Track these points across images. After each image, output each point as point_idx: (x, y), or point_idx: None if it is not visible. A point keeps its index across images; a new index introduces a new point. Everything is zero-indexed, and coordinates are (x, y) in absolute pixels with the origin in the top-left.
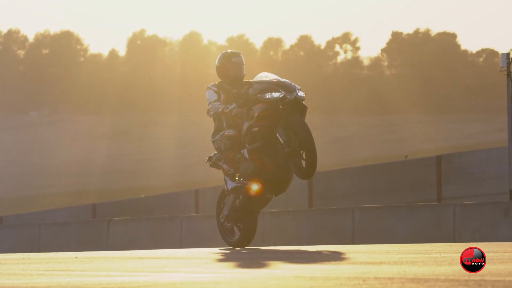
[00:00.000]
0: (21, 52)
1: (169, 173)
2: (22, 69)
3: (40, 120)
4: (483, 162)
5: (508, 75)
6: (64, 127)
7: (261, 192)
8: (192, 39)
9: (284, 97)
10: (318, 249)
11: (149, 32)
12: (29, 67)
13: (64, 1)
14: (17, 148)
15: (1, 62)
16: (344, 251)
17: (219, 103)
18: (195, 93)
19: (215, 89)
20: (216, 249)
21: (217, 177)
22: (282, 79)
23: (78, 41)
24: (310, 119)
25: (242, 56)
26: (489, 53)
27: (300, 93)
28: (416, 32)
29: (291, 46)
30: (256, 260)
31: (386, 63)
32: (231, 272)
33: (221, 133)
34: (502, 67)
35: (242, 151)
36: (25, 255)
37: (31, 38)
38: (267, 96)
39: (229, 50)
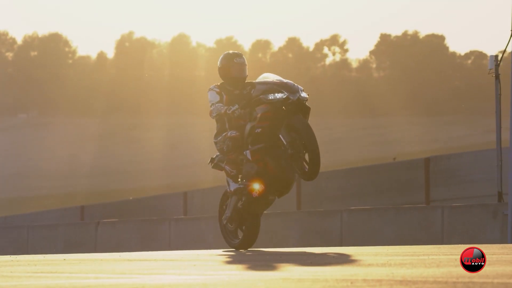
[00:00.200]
0: (10, 54)
1: (157, 175)
2: (11, 71)
3: (29, 122)
4: (471, 164)
5: (497, 77)
6: (53, 129)
7: (264, 193)
8: (180, 41)
9: (287, 98)
10: (306, 251)
11: (137, 34)
12: (18, 69)
13: (52, 4)
14: (5, 150)
15: None
16: (332, 253)
17: (221, 104)
18: (183, 95)
19: (217, 90)
20: (205, 251)
21: (205, 179)
22: (285, 80)
23: (66, 43)
24: None
25: (244, 57)
26: (478, 55)
27: (303, 94)
28: (405, 34)
29: (280, 48)
30: (244, 262)
31: (374, 65)
32: (219, 274)
33: (224, 134)
34: (490, 69)
35: (244, 152)
36: (13, 257)
37: (19, 40)
38: (270, 97)
39: (231, 51)
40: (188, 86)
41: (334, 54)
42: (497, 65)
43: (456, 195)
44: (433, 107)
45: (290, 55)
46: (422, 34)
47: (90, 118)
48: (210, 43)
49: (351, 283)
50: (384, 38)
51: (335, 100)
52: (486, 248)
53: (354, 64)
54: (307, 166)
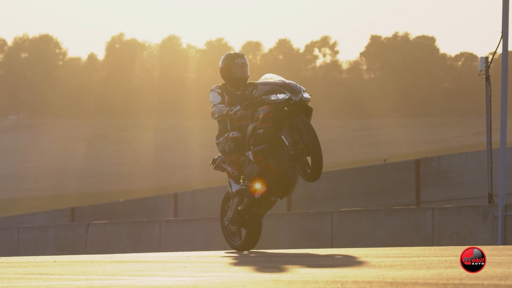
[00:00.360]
0: (0, 56)
1: (147, 177)
2: (1, 73)
3: (19, 124)
4: (461, 166)
5: (487, 79)
6: (43, 131)
7: (266, 194)
8: (171, 42)
9: (289, 98)
10: (297, 253)
11: (128, 36)
12: (8, 71)
13: (42, 5)
14: None
15: None
16: (323, 254)
17: (223, 105)
18: (174, 97)
19: (219, 91)
20: (195, 253)
21: (196, 181)
22: (287, 81)
23: (56, 45)
24: None
25: (246, 58)
26: (468, 57)
27: (306, 95)
28: (395, 36)
29: (270, 50)
30: (235, 264)
31: (365, 67)
32: (210, 276)
33: (226, 135)
34: (480, 70)
35: (247, 153)
36: (3, 258)
37: (10, 42)
38: (272, 98)
39: (232, 52)
40: (178, 88)
41: (324, 55)
42: (487, 67)
43: (446, 196)
44: (424, 108)
45: (280, 56)
46: (413, 35)
47: (81, 119)
48: (201, 45)
49: (342, 284)
50: (375, 39)
51: (326, 102)
52: None
53: (345, 66)
54: (309, 167)
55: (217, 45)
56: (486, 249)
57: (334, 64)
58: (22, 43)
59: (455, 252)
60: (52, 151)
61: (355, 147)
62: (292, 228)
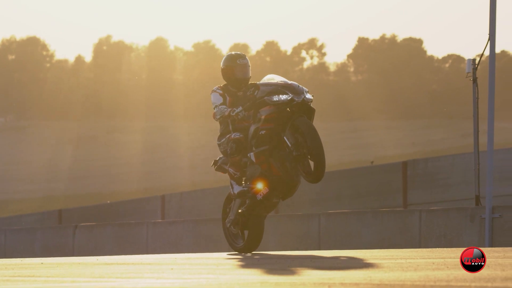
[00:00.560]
0: None
1: (135, 178)
2: None
3: (6, 126)
4: (449, 168)
5: (474, 81)
6: (31, 133)
7: (268, 195)
8: (158, 44)
9: (291, 99)
10: (284, 255)
11: (115, 38)
12: None
13: (30, 7)
14: None
15: None
16: (310, 256)
17: (225, 106)
18: (161, 99)
19: (221, 92)
20: (182, 255)
21: (183, 183)
22: (289, 81)
23: (44, 47)
24: None
25: (247, 58)
26: (455, 59)
27: (308, 96)
28: (382, 38)
29: (257, 52)
30: (223, 266)
31: (352, 69)
32: (197, 278)
33: (227, 136)
34: (468, 73)
35: (248, 154)
36: None
37: None
38: (275, 99)
39: (233, 52)
40: (166, 90)
41: (312, 57)
42: (474, 69)
43: (433, 198)
44: (411, 110)
45: (268, 58)
46: (400, 37)
47: (68, 121)
48: (188, 47)
49: (329, 286)
50: (362, 41)
51: (313, 104)
52: None
53: (332, 68)
54: (312, 168)
55: (205, 47)
56: None
57: (322, 66)
58: (9, 45)
59: (442, 254)
60: (39, 153)
61: (343, 149)
62: (280, 230)
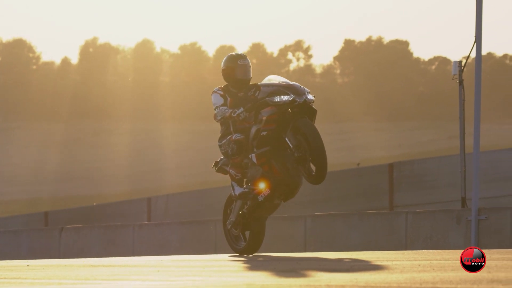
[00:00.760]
0: None
1: (121, 181)
2: None
3: None
4: (435, 170)
5: (460, 83)
6: (17, 135)
7: (269, 197)
8: (144, 47)
9: (293, 100)
10: (270, 257)
11: (101, 40)
12: None
13: (16, 9)
14: None
15: None
16: (296, 258)
17: (226, 107)
18: (148, 101)
19: (221, 92)
20: (168, 257)
21: (169, 185)
22: (291, 82)
23: (30, 49)
24: None
25: (248, 59)
26: (442, 61)
27: (310, 96)
28: (369, 40)
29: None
30: (209, 268)
31: (338, 71)
32: (183, 280)
33: (228, 137)
34: (454, 75)
35: (250, 156)
36: None
37: None
38: (276, 99)
39: (234, 53)
40: (152, 92)
41: (298, 59)
42: (460, 71)
43: (420, 200)
44: (397, 112)
45: (254, 60)
46: (386, 39)
47: (55, 123)
48: (174, 49)
49: None
50: (348, 43)
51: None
52: (449, 254)
53: (318, 70)
54: (313, 170)
55: (191, 49)
56: (459, 254)
57: (308, 68)
58: None
59: (428, 256)
60: (25, 155)
61: (329, 151)
62: (266, 232)
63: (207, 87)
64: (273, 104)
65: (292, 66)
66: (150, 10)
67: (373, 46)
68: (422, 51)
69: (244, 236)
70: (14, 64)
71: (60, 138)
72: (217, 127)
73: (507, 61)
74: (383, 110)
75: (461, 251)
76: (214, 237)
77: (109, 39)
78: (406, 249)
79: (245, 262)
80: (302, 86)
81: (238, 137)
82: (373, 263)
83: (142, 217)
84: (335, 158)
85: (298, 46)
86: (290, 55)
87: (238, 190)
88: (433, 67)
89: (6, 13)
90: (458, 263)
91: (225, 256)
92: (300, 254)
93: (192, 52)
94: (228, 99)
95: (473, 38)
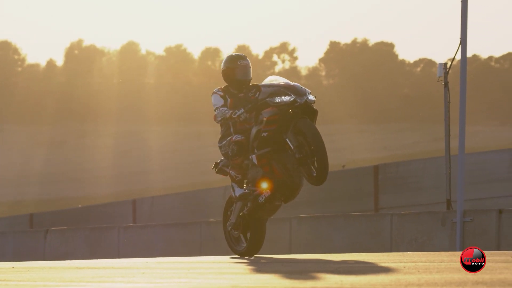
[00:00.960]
0: None
1: (106, 183)
2: None
3: None
4: (420, 172)
5: (445, 85)
6: (2, 137)
7: (270, 197)
8: (130, 49)
9: (294, 101)
10: (255, 259)
11: (86, 42)
12: None
13: (1, 11)
14: None
15: None
16: (281, 260)
17: (226, 108)
18: (133, 103)
19: (221, 93)
20: (154, 259)
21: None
22: (292, 83)
23: (15, 51)
24: None
25: (248, 59)
26: (427, 63)
27: (311, 97)
28: (354, 42)
29: None
30: (194, 270)
31: (324, 73)
32: (168, 282)
33: (228, 138)
34: (439, 77)
35: (250, 157)
36: None
37: None
38: (277, 100)
39: (234, 53)
40: (137, 94)
41: (283, 61)
42: (446, 73)
43: (405, 202)
44: (383, 114)
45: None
46: (372, 41)
47: (40, 125)
48: (160, 51)
49: None
50: (334, 45)
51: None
52: (434, 256)
53: (304, 72)
54: (315, 171)
55: (176, 51)
56: (444, 255)
57: (293, 70)
58: None
59: (413, 258)
60: (11, 157)
61: None
62: None
63: (193, 89)
64: (274, 105)
65: (278, 68)
66: (135, 12)
67: (359, 48)
68: (407, 53)
69: (246, 238)
70: None
71: (46, 140)
72: (203, 129)
73: (492, 63)
74: (368, 112)
75: (446, 252)
76: (199, 239)
77: (95, 41)
78: (391, 251)
79: (229, 264)
80: (303, 87)
81: (238, 138)
82: (358, 265)
83: (128, 219)
84: None
85: (283, 48)
86: (275, 57)
87: (238, 192)
88: (418, 69)
89: None
90: (443, 265)
91: (209, 258)
92: (286, 256)
93: (177, 54)
94: (229, 100)
95: (458, 40)
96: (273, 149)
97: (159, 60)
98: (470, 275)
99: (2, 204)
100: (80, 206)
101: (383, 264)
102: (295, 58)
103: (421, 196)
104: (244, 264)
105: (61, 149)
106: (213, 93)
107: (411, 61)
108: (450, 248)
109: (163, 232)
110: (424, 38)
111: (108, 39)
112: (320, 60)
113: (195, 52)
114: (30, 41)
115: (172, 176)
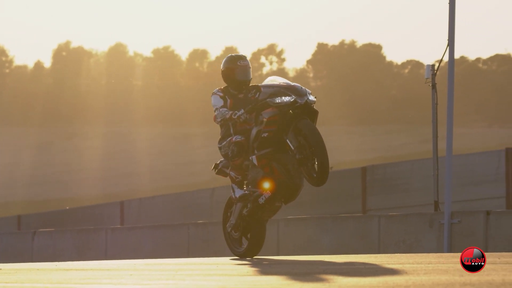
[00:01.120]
0: None
1: (94, 184)
2: None
3: None
4: (408, 174)
5: (433, 86)
6: None
7: (270, 198)
8: (117, 50)
9: (295, 101)
10: (243, 261)
11: (74, 44)
12: None
13: None
14: None
15: None
16: (269, 262)
17: (226, 109)
18: (121, 104)
19: (221, 94)
20: (141, 261)
21: (142, 189)
22: (292, 83)
23: (3, 52)
24: None
25: (248, 60)
26: (414, 65)
27: (311, 97)
28: (342, 43)
29: (217, 58)
30: (182, 272)
31: (311, 75)
32: (156, 283)
33: (228, 139)
34: (427, 78)
35: (250, 158)
36: None
37: None
38: (277, 101)
39: (234, 54)
40: (125, 95)
41: (271, 63)
42: (433, 75)
43: (392, 204)
44: (370, 116)
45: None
46: (359, 43)
47: (27, 127)
48: (147, 53)
49: None
50: (321, 47)
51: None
52: (422, 257)
53: (291, 73)
54: (315, 171)
55: (164, 52)
56: (432, 257)
57: (281, 72)
58: None
59: (401, 260)
60: None
61: None
62: None
63: (180, 90)
64: (274, 105)
65: (265, 69)
66: (123, 14)
67: (346, 50)
68: (395, 54)
69: (247, 238)
70: None
71: (33, 141)
72: (190, 130)
73: (480, 65)
74: (356, 113)
75: (434, 254)
76: (187, 241)
77: (82, 42)
78: (379, 252)
79: (217, 266)
80: (303, 87)
81: (238, 139)
82: (346, 266)
83: (115, 220)
84: None
85: (271, 50)
86: (263, 59)
87: (238, 193)
88: (406, 70)
89: None
90: (431, 266)
91: (197, 260)
92: (273, 258)
93: (165, 55)
94: (228, 100)
95: (446, 42)
96: (273, 149)
97: (147, 61)
98: (457, 277)
99: None
100: (68, 207)
101: (370, 266)
102: (283, 60)
103: (409, 198)
104: (230, 266)
105: (49, 151)
106: (212, 94)
107: (399, 62)
108: (438, 249)
109: (151, 233)
110: (412, 40)
111: (96, 40)
112: (308, 62)
113: (183, 53)
114: (17, 42)
115: (160, 177)
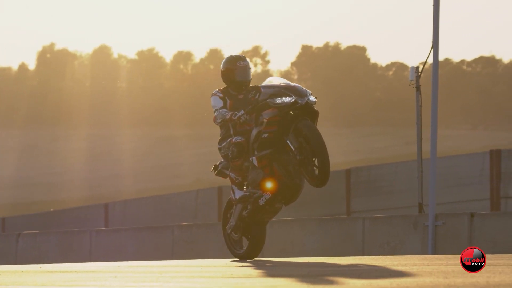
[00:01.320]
0: None
1: (78, 186)
2: None
3: None
4: (392, 176)
5: (417, 88)
6: None
7: (271, 199)
8: (102, 52)
9: (295, 102)
10: (228, 263)
11: (59, 46)
12: None
13: None
14: None
15: None
16: (253, 264)
17: (225, 110)
18: (105, 107)
19: (221, 95)
20: (126, 263)
21: (127, 191)
22: (292, 84)
23: None
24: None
25: (248, 60)
26: (399, 67)
27: (312, 98)
28: (326, 45)
29: (201, 60)
30: (166, 274)
31: (296, 77)
32: (140, 285)
33: (228, 140)
34: (411, 80)
35: (251, 159)
36: None
37: None
38: (278, 101)
39: (233, 54)
40: (110, 97)
41: (255, 65)
42: (417, 77)
43: (377, 206)
44: (354, 118)
45: (211, 66)
46: (344, 45)
47: (11, 129)
48: (132, 55)
49: None
50: (306, 49)
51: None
52: (406, 259)
53: (276, 75)
54: (316, 172)
55: (148, 54)
56: (416, 259)
57: (265, 74)
58: None
59: (385, 262)
60: None
61: None
62: (221, 238)
63: (165, 92)
64: (275, 106)
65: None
66: (107, 16)
67: (331, 52)
68: (380, 56)
69: (247, 238)
70: None
71: (17, 144)
72: (175, 132)
73: (464, 67)
74: (340, 115)
75: (418, 256)
76: (171, 243)
77: (67, 44)
78: (363, 254)
79: (202, 268)
80: (304, 88)
81: (238, 140)
82: (330, 268)
83: (100, 223)
84: None
85: (255, 52)
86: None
87: (238, 194)
88: (391, 72)
89: None
90: (416, 268)
91: (181, 262)
92: (257, 260)
93: (149, 57)
94: (228, 101)
95: (430, 44)
96: (274, 150)
97: (131, 63)
98: (442, 279)
99: None
100: (52, 209)
101: (355, 268)
102: (267, 62)
103: (393, 200)
104: (215, 268)
105: (33, 153)
106: (212, 95)
107: (383, 64)
108: (422, 251)
109: (135, 235)
110: (396, 42)
111: (80, 42)
112: (292, 64)
113: (167, 55)
114: (1, 44)
115: (144, 179)
